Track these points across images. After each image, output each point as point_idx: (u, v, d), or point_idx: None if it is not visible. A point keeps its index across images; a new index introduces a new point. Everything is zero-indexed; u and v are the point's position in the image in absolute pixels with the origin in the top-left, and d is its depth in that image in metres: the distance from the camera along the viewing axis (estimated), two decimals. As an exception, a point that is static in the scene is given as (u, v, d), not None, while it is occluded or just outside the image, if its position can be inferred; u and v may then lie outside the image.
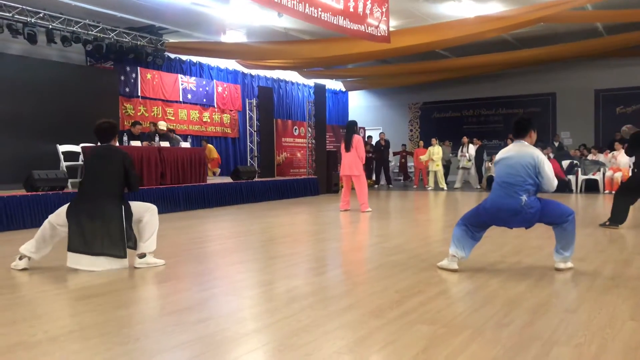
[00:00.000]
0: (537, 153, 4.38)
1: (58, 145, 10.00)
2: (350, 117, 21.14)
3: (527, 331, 2.99)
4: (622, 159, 13.16)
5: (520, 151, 4.43)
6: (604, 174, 13.47)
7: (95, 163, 4.88)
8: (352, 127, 9.87)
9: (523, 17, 11.28)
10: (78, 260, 4.63)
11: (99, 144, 4.96)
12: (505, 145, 15.99)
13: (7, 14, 9.97)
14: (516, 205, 4.33)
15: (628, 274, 4.43)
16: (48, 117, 10.72)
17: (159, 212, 4.67)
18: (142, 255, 4.83)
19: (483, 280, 4.24)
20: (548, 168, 4.37)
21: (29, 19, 10.24)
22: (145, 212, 4.89)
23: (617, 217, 7.05)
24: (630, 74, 16.65)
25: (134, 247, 4.83)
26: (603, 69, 17.01)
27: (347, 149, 9.64)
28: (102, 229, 4.63)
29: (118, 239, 4.66)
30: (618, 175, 13.05)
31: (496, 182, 4.53)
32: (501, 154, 4.61)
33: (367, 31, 9.52)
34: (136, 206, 4.90)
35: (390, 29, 10.33)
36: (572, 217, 4.45)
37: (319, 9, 8.42)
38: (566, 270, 4.50)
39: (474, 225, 4.58)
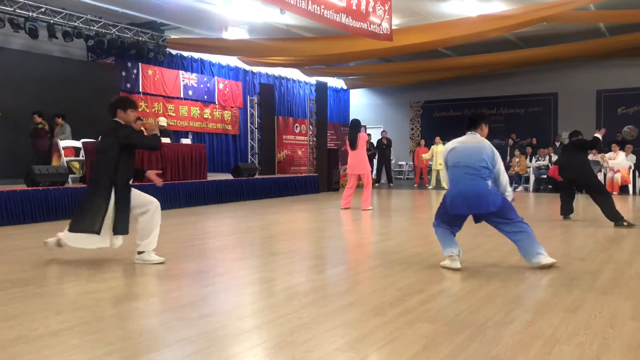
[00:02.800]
0: (492, 147, 4.50)
1: (59, 140, 9.98)
2: (352, 115, 21.15)
3: (528, 330, 2.99)
4: (620, 161, 13.20)
5: (477, 140, 4.52)
6: (605, 175, 13.43)
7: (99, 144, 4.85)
8: (357, 126, 9.87)
9: (526, 16, 11.26)
10: (81, 240, 4.69)
11: None
12: (506, 144, 16.11)
13: (9, 9, 9.97)
14: (483, 189, 4.36)
15: (629, 274, 4.43)
16: (49, 113, 10.72)
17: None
18: (141, 252, 4.83)
19: (484, 279, 4.23)
20: (502, 165, 4.50)
21: (30, 14, 10.24)
22: (148, 205, 4.84)
23: (564, 209, 8.00)
24: (633, 74, 16.62)
25: (123, 232, 4.75)
26: (605, 69, 16.98)
27: (354, 147, 9.61)
28: (90, 209, 4.63)
29: (99, 217, 4.61)
30: (618, 176, 13.05)
31: (456, 169, 4.46)
32: (454, 143, 4.60)
33: (369, 29, 9.50)
34: (137, 194, 4.84)
35: (393, 27, 10.30)
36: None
37: (322, 6, 8.40)
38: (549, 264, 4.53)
39: (446, 222, 4.60)
